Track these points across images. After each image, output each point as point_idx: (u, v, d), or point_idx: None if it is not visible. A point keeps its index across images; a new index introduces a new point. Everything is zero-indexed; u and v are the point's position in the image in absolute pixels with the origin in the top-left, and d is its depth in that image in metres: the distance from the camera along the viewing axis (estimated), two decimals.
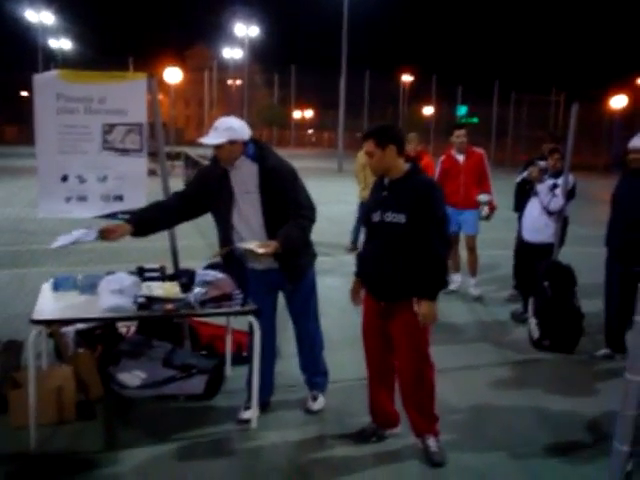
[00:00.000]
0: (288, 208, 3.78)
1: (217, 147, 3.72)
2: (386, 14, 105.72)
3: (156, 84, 4.55)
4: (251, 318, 3.78)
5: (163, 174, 4.66)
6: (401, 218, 3.43)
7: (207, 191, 3.89)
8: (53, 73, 4.37)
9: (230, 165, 3.79)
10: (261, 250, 3.60)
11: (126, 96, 4.38)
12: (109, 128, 4.39)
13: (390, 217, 3.46)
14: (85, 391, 4.14)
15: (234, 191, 3.82)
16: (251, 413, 3.92)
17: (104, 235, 3.74)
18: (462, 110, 44.46)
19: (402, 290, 3.50)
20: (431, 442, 3.68)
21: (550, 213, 5.98)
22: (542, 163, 6.16)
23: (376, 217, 3.54)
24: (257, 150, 3.83)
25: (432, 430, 3.71)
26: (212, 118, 45.88)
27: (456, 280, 7.37)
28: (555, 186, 5.98)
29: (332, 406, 4.26)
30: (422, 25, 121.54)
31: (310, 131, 67.44)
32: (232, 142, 3.71)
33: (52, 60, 39.30)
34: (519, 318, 6.32)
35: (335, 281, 7.16)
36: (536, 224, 6.08)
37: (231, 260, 3.94)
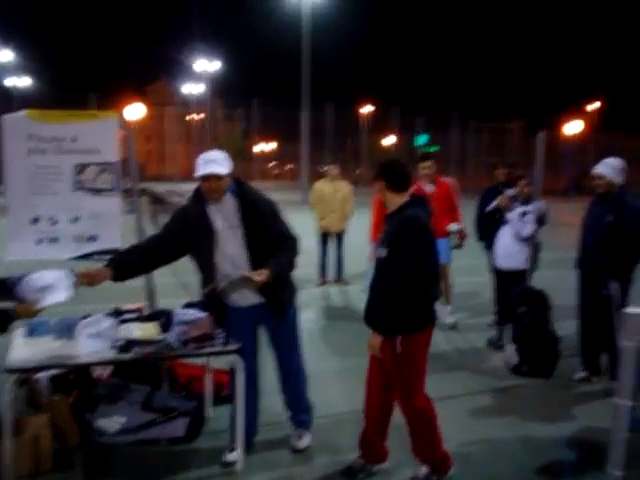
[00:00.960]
0: (272, 241, 3.77)
1: (216, 179, 3.68)
2: (347, 46, 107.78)
3: (126, 122, 4.51)
4: (234, 357, 3.71)
5: (137, 212, 4.60)
6: (383, 252, 3.49)
7: (186, 230, 3.83)
8: (22, 113, 4.29)
9: (218, 199, 3.75)
10: (258, 277, 3.59)
11: (98, 135, 4.33)
12: (81, 168, 4.33)
13: (379, 250, 3.55)
14: (62, 439, 3.98)
15: (216, 228, 3.77)
16: (236, 455, 3.82)
17: (85, 281, 3.64)
18: (422, 139, 45.20)
19: (384, 326, 3.51)
20: (422, 469, 3.67)
21: (522, 239, 6.06)
22: (510, 191, 6.26)
23: (378, 251, 3.59)
24: (236, 185, 3.83)
25: (429, 462, 3.67)
26: (174, 153, 46.01)
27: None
28: (525, 213, 6.05)
29: (318, 442, 4.19)
30: (383, 57, 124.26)
31: (272, 164, 67.68)
32: (228, 174, 3.74)
33: (10, 99, 38.79)
34: (495, 345, 6.36)
35: (310, 314, 7.13)
36: (508, 250, 6.14)
37: (213, 299, 3.87)
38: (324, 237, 9.66)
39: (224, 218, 3.78)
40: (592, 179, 5.26)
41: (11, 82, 42.39)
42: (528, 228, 6.00)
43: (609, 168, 5.16)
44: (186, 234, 3.83)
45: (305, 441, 4.13)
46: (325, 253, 9.68)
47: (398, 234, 3.45)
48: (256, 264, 3.72)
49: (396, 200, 3.59)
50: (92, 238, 4.39)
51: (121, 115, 4.43)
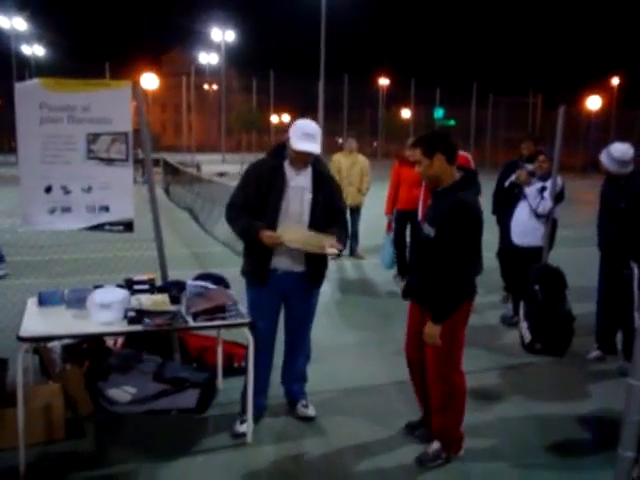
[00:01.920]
0: (331, 213, 3.91)
1: (313, 155, 3.81)
2: (364, 18, 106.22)
3: (141, 91, 4.45)
4: (245, 331, 3.70)
5: (150, 182, 4.56)
6: (431, 232, 3.46)
7: (259, 185, 3.83)
8: (35, 82, 4.23)
9: (305, 167, 3.86)
10: (330, 250, 3.69)
11: (110, 104, 4.27)
12: (93, 137, 4.27)
13: (426, 228, 3.52)
14: (74, 408, 4.02)
15: (288, 183, 3.82)
16: (246, 426, 3.83)
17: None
18: (439, 112, 44.61)
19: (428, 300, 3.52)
20: (434, 444, 3.66)
21: (539, 216, 5.97)
22: (529, 166, 6.16)
23: (424, 229, 3.58)
24: None
25: (446, 438, 3.66)
26: (189, 123, 45.82)
27: None
28: (544, 189, 5.95)
29: (327, 413, 4.21)
30: (400, 28, 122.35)
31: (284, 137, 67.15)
32: None
33: (26, 67, 38.74)
34: (509, 322, 6.31)
35: (324, 287, 7.09)
36: (525, 227, 6.05)
37: (261, 255, 3.82)
38: None
39: (298, 178, 3.85)
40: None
41: (25, 51, 42.25)
42: (546, 204, 5.90)
43: (606, 156, 5.06)
44: (258, 188, 3.82)
45: (312, 409, 4.17)
46: None
47: (449, 217, 3.38)
48: (312, 227, 3.81)
49: (450, 174, 3.48)
50: (104, 208, 4.36)
51: (134, 84, 4.35)
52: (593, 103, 40.01)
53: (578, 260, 6.04)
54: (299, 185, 3.84)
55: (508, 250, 6.41)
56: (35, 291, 4.10)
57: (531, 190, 6.03)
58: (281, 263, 3.84)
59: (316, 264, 3.90)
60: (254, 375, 3.78)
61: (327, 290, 6.95)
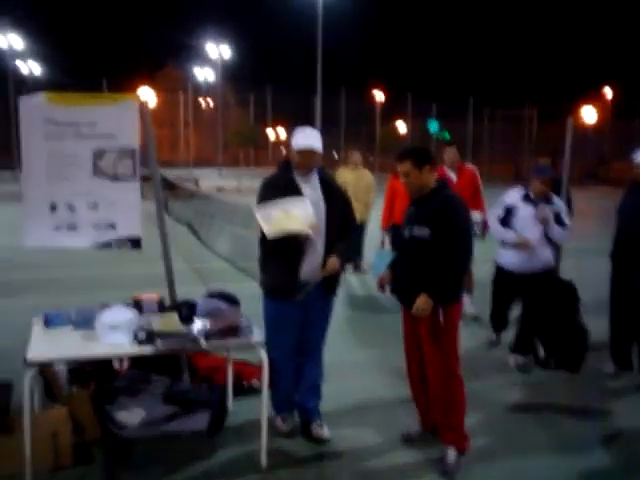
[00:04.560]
0: (343, 224, 3.96)
1: (313, 153, 3.84)
2: (361, 32, 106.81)
3: (148, 105, 4.36)
4: (259, 351, 3.59)
5: (158, 199, 4.45)
6: (425, 232, 3.59)
7: (274, 197, 3.82)
8: (40, 96, 4.14)
9: (308, 173, 3.89)
10: (332, 269, 3.84)
11: (117, 120, 4.17)
12: (100, 153, 4.18)
13: (416, 231, 3.63)
14: (81, 433, 3.88)
15: (304, 195, 3.84)
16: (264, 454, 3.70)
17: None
18: (433, 125, 44.64)
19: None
20: (450, 453, 3.70)
21: (550, 240, 5.39)
22: (546, 209, 5.27)
23: (406, 233, 3.74)
24: (318, 168, 4.01)
25: (456, 443, 3.73)
26: (186, 138, 45.79)
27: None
28: (558, 215, 5.30)
29: (340, 436, 4.10)
30: (396, 42, 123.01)
31: (285, 151, 67.40)
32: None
33: (23, 84, 38.68)
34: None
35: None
36: (531, 254, 5.35)
37: (292, 270, 3.83)
38: None
39: (311, 190, 3.88)
40: (635, 167, 5.05)
41: (21, 68, 42.22)
42: (567, 231, 5.32)
43: None
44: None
45: (327, 430, 4.08)
46: None
47: (442, 213, 3.58)
48: (328, 239, 3.87)
49: (432, 181, 3.70)
50: (111, 226, 4.25)
51: (142, 99, 4.26)
52: (588, 115, 40.10)
53: (586, 272, 5.90)
54: (313, 196, 3.84)
55: (504, 278, 5.67)
56: (36, 311, 3.98)
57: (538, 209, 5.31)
58: (305, 274, 3.83)
59: (333, 274, 3.92)
60: (278, 389, 3.86)
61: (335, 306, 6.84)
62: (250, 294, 4.74)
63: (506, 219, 5.43)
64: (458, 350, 3.79)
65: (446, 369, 3.70)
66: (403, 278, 3.81)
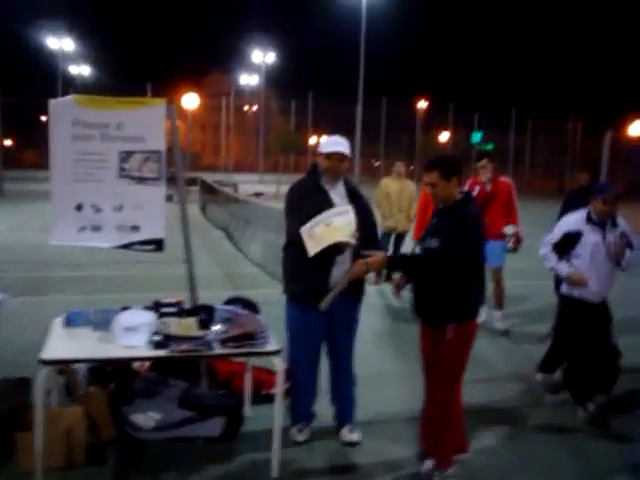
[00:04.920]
0: (368, 230, 3.93)
1: (342, 158, 3.90)
2: (403, 41, 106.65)
3: (174, 110, 4.38)
4: (275, 359, 3.55)
5: (182, 201, 4.47)
6: (435, 243, 3.50)
7: (303, 206, 3.86)
8: (69, 98, 4.19)
9: (335, 179, 3.95)
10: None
11: (144, 122, 4.20)
12: (126, 155, 4.21)
13: (429, 242, 3.55)
14: (96, 432, 3.90)
15: (333, 201, 3.88)
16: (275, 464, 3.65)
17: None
18: (477, 137, 44.23)
19: (436, 315, 3.57)
20: (427, 462, 3.67)
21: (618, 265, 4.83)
22: (615, 236, 4.69)
23: (424, 244, 3.63)
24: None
25: (437, 460, 3.65)
26: (228, 143, 46.34)
27: (481, 313, 7.06)
28: (624, 235, 4.72)
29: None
30: (439, 52, 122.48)
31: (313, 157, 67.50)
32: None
33: (71, 86, 39.72)
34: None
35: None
36: (607, 281, 4.86)
37: (323, 276, 3.81)
38: (386, 237, 9.07)
39: (337, 197, 3.92)
40: None
41: (72, 70, 43.41)
42: (632, 259, 4.76)
43: None
44: (304, 212, 3.81)
45: (357, 434, 4.10)
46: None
47: (453, 226, 3.47)
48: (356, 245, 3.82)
49: (455, 193, 3.60)
50: (135, 228, 4.27)
51: (168, 103, 4.28)
52: (636, 129, 39.12)
53: (618, 291, 5.63)
54: (340, 203, 3.87)
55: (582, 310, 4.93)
56: (67, 307, 4.04)
57: (608, 238, 4.70)
58: (334, 282, 3.81)
59: (358, 280, 3.88)
60: (298, 400, 3.94)
61: (368, 316, 6.76)
62: (278, 300, 4.71)
63: (565, 246, 4.80)
64: (464, 372, 3.64)
65: (449, 389, 3.61)
66: (417, 291, 3.74)
